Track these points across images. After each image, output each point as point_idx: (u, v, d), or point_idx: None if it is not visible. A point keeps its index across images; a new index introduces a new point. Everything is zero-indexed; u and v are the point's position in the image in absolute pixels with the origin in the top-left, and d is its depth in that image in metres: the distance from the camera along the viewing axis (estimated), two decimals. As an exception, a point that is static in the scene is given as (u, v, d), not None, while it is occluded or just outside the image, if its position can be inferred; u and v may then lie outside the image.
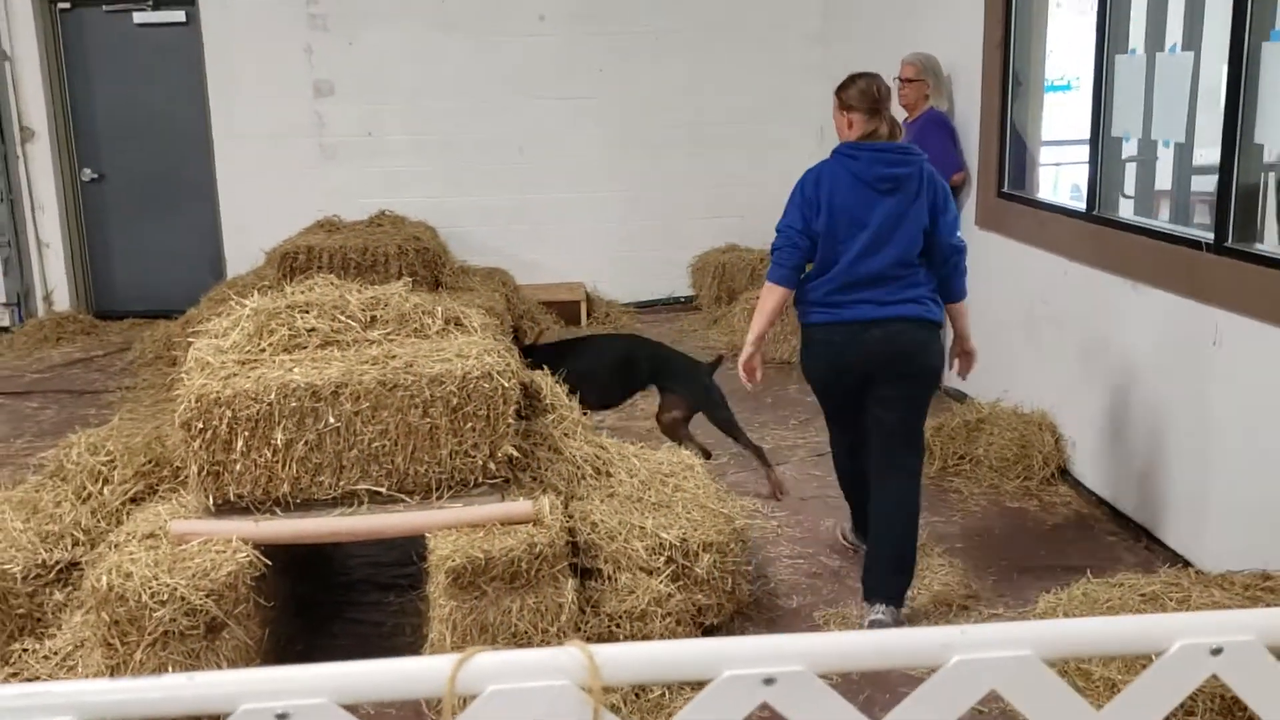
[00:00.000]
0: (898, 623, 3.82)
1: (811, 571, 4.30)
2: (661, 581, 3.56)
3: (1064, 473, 5.15)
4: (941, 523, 4.73)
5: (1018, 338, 5.65)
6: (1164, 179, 5.65)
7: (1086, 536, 4.63)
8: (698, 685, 1.16)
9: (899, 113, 6.35)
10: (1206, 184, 4.60)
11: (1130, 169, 5.47)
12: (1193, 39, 5.26)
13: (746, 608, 3.91)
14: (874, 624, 3.81)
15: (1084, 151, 5.11)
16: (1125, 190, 5.37)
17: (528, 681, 1.07)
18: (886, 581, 3.86)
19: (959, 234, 3.96)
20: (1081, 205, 5.17)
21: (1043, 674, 1.19)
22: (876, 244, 3.77)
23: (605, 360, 5.24)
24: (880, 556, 3.88)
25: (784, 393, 6.64)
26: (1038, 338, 5.46)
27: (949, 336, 4.14)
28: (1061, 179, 7.11)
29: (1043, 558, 4.41)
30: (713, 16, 8.80)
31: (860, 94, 3.89)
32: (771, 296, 3.89)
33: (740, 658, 1.13)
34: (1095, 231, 4.92)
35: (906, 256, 3.81)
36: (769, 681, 1.14)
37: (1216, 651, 1.21)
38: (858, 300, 3.80)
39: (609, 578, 3.61)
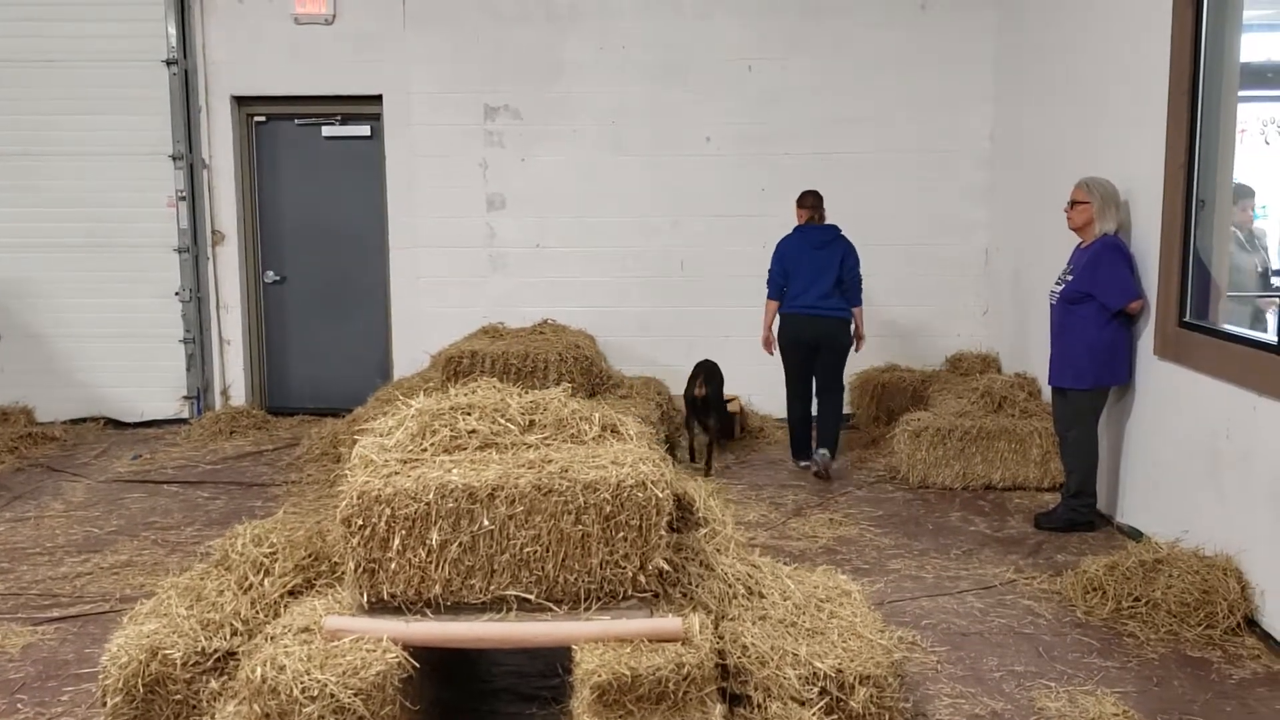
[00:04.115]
0: (834, 458, 7.40)
1: (973, 713, 4.04)
2: (814, 714, 3.39)
3: (1251, 623, 4.76)
4: (1116, 668, 4.41)
5: (1199, 474, 5.31)
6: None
7: (1280, 696, 4.25)
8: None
9: (1073, 237, 6.21)
10: None
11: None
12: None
13: (903, 748, 3.68)
14: (820, 457, 7.32)
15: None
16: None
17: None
18: (831, 439, 7.40)
19: (859, 269, 7.38)
20: (1273, 338, 4.88)
21: None
22: (818, 275, 7.27)
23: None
24: (828, 428, 7.44)
25: (945, 520, 6.39)
26: (1222, 476, 5.12)
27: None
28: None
29: (1229, 715, 4.05)
30: (879, 140, 8.83)
31: (811, 199, 7.45)
32: (770, 305, 7.48)
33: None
34: (1289, 365, 4.63)
35: (832, 282, 7.27)
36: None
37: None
38: (810, 305, 7.26)
39: (759, 706, 3.46)
